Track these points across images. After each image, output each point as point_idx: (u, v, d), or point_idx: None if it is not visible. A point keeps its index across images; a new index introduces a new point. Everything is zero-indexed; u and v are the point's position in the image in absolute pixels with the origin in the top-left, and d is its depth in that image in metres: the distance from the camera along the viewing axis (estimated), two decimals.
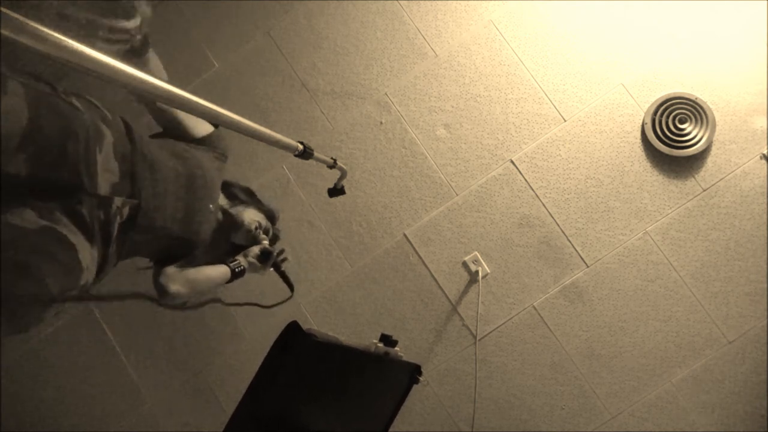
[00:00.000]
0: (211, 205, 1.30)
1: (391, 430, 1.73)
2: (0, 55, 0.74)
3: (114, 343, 2.57)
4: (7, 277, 0.70)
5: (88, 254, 0.86)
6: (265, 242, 1.50)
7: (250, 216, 1.47)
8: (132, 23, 0.99)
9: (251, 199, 1.54)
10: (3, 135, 0.76)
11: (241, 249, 1.47)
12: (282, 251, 1.57)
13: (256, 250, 1.47)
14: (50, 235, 0.80)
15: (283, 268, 1.60)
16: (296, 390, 1.21)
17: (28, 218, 0.78)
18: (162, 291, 1.21)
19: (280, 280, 1.65)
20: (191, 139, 1.34)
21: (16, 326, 0.72)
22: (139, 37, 1.05)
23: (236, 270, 1.38)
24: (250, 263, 1.44)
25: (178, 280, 1.24)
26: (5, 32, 0.46)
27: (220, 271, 1.35)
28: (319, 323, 2.44)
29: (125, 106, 1.25)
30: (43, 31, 0.50)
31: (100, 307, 2.58)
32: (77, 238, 0.84)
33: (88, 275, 0.87)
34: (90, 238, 0.88)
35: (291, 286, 1.63)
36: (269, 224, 1.55)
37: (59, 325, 2.60)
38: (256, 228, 1.46)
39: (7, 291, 0.69)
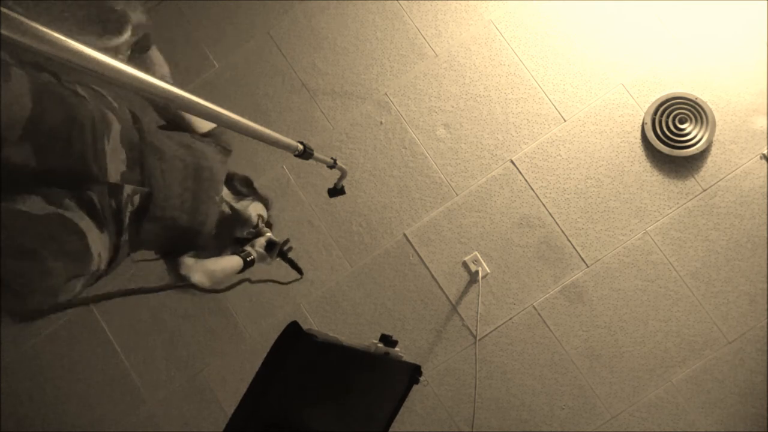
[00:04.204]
0: (216, 197, 1.31)
1: (391, 430, 1.73)
2: (0, 46, 0.74)
3: (114, 343, 2.57)
4: (13, 264, 0.70)
5: (98, 241, 0.86)
6: (269, 234, 1.52)
7: (256, 211, 1.48)
8: (120, 40, 0.99)
9: (250, 189, 1.56)
10: (6, 124, 0.76)
11: (242, 240, 1.49)
12: (287, 241, 1.60)
13: (262, 240, 1.49)
14: (57, 221, 0.79)
15: (290, 256, 1.62)
16: (296, 390, 1.21)
17: (35, 204, 0.78)
18: (184, 282, 1.21)
19: (288, 269, 1.67)
20: (195, 133, 1.35)
21: (23, 313, 0.72)
22: (128, 53, 1.04)
23: (247, 260, 1.41)
24: (258, 253, 1.46)
25: (198, 270, 1.25)
26: (5, 32, 0.46)
27: (234, 261, 1.37)
28: (319, 323, 2.44)
29: (132, 97, 1.25)
30: (43, 31, 0.50)
31: (99, 307, 2.58)
32: (87, 225, 0.84)
33: (99, 262, 0.86)
34: (101, 226, 0.88)
35: (299, 270, 1.66)
36: (267, 213, 1.58)
37: (59, 324, 2.60)
38: (260, 226, 1.48)
39: (13, 277, 0.69)
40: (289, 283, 1.62)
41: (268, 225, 1.64)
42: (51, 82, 0.86)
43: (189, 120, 1.33)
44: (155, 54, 1.18)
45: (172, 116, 1.31)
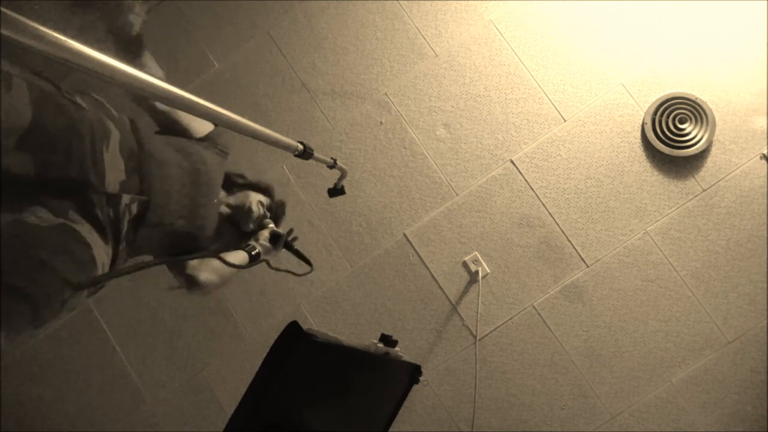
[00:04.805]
0: (215, 200, 1.31)
1: (391, 430, 1.73)
2: (0, 54, 0.74)
3: (114, 343, 2.57)
4: (25, 275, 0.70)
5: (102, 251, 0.87)
6: (272, 225, 1.52)
7: (254, 199, 1.47)
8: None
9: (245, 180, 1.55)
10: (4, 132, 0.76)
11: (247, 235, 1.49)
12: (291, 231, 1.58)
13: (266, 233, 1.48)
14: (66, 232, 0.80)
15: (296, 247, 1.61)
16: (296, 390, 1.21)
17: (44, 216, 0.79)
18: (192, 282, 1.21)
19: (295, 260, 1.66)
20: (192, 138, 1.34)
21: (33, 322, 0.73)
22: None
23: (252, 254, 1.40)
24: (263, 246, 1.45)
25: (205, 269, 1.25)
26: (5, 32, 0.46)
27: (240, 256, 1.36)
28: (319, 323, 2.44)
29: (127, 104, 1.25)
30: (43, 31, 0.50)
31: (99, 307, 2.59)
32: (92, 236, 0.85)
33: (103, 271, 0.87)
34: (103, 236, 0.88)
35: (308, 261, 1.64)
36: (269, 200, 1.56)
37: (59, 324, 2.60)
38: (262, 212, 1.47)
39: (26, 288, 0.70)
40: (304, 275, 1.59)
41: (283, 205, 1.62)
42: (51, 92, 0.86)
43: (185, 126, 1.33)
44: (148, 60, 1.18)
45: (168, 123, 1.31)
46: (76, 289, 0.76)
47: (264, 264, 1.52)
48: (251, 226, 1.48)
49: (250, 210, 1.44)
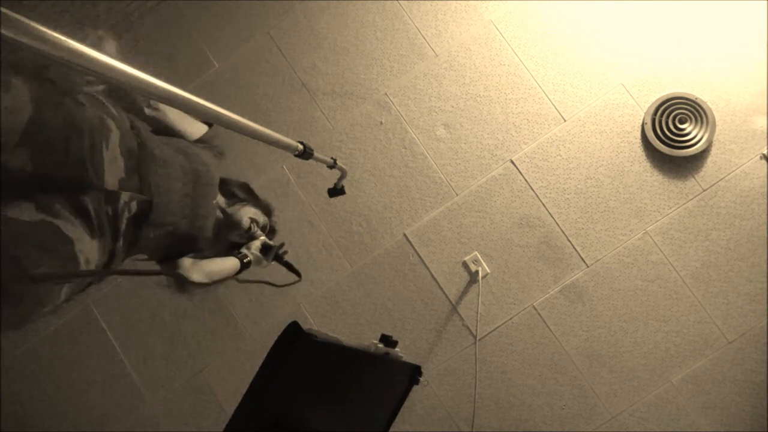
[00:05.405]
0: (213, 201, 1.31)
1: (391, 430, 1.73)
2: (0, 53, 0.74)
3: (114, 343, 2.57)
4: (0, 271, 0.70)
5: (88, 248, 0.86)
6: (263, 237, 1.53)
7: (247, 215, 1.49)
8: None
9: (248, 195, 1.56)
10: (5, 130, 0.76)
11: (237, 245, 1.50)
12: (282, 244, 1.60)
13: (257, 243, 1.51)
14: (45, 228, 0.79)
15: (286, 259, 1.63)
16: (296, 390, 1.21)
17: (25, 211, 0.78)
18: (183, 282, 1.22)
19: (286, 272, 1.68)
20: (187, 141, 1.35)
21: (10, 321, 0.72)
22: None
23: (243, 261, 1.42)
24: (254, 256, 1.46)
25: (196, 271, 1.26)
26: (5, 32, 0.46)
27: (231, 262, 1.38)
28: (319, 323, 2.44)
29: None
30: (43, 31, 0.50)
31: (99, 307, 2.58)
32: (77, 232, 0.84)
33: (88, 268, 0.86)
34: (93, 232, 0.88)
35: (297, 273, 1.68)
36: (266, 219, 1.58)
37: (59, 324, 2.60)
38: (251, 228, 1.49)
39: (1, 285, 0.69)
40: (285, 286, 1.63)
41: (273, 231, 1.65)
42: (51, 90, 0.86)
43: (179, 130, 1.33)
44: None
45: (160, 127, 1.31)
46: (34, 282, 0.75)
47: (263, 264, 1.53)
48: (236, 238, 1.49)
49: (239, 222, 1.46)
